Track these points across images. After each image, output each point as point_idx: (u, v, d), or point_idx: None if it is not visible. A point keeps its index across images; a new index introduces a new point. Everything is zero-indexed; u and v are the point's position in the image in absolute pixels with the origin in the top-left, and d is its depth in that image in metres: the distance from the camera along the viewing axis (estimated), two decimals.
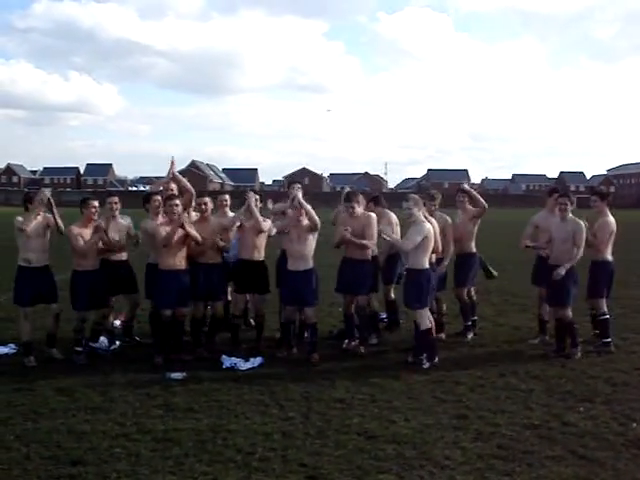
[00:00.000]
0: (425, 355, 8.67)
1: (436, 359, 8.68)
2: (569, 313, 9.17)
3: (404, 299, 8.92)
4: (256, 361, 8.66)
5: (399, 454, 5.86)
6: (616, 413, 6.91)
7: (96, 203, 8.94)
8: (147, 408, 7.00)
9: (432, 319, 8.85)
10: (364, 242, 9.15)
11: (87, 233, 8.77)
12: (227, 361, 8.59)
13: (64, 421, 6.62)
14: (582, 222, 9.14)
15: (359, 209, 9.29)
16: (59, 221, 8.86)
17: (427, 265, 8.71)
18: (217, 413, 6.87)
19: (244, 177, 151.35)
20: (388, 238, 8.95)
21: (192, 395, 7.42)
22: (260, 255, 9.36)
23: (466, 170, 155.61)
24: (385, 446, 6.03)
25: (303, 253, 8.92)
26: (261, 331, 9.61)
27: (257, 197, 9.37)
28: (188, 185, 9.85)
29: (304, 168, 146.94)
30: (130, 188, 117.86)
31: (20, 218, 8.61)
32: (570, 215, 9.18)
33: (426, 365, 8.55)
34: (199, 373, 8.22)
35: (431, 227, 8.72)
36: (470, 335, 10.15)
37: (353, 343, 9.44)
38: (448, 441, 6.16)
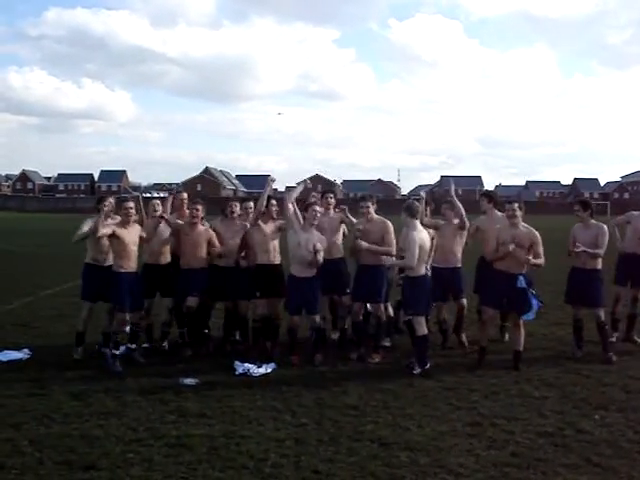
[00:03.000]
0: (417, 361, 8.69)
1: (428, 365, 8.68)
2: (602, 314, 9.43)
3: (402, 305, 8.95)
4: (269, 367, 8.65)
5: (413, 461, 5.83)
6: (631, 421, 6.85)
7: (132, 204, 9.08)
8: (160, 413, 7.01)
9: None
10: (381, 249, 9.13)
11: (126, 233, 8.89)
12: (240, 367, 8.59)
13: (77, 426, 6.63)
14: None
15: (373, 212, 9.29)
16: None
17: (423, 272, 8.73)
18: (230, 419, 6.86)
19: (257, 183, 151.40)
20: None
21: (205, 401, 7.42)
22: (277, 258, 9.53)
23: (479, 177, 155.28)
24: (399, 453, 6.00)
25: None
26: (276, 336, 9.60)
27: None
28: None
29: (317, 175, 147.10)
30: (144, 194, 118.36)
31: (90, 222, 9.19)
32: (593, 220, 9.47)
33: (417, 371, 8.57)
34: (212, 379, 8.23)
35: (425, 234, 8.79)
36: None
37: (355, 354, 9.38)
38: (462, 448, 6.13)
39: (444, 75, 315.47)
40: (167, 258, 9.73)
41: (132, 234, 8.95)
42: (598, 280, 9.39)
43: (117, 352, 8.77)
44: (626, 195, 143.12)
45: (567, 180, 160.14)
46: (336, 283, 9.59)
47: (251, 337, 9.80)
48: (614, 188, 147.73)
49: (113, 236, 8.79)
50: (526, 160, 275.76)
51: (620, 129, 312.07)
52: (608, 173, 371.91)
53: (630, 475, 5.60)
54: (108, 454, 5.95)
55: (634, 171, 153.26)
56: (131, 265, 8.92)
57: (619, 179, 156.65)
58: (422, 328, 8.70)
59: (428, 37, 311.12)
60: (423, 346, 8.75)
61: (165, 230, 9.57)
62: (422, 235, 8.72)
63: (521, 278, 8.72)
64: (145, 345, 9.86)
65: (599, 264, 9.39)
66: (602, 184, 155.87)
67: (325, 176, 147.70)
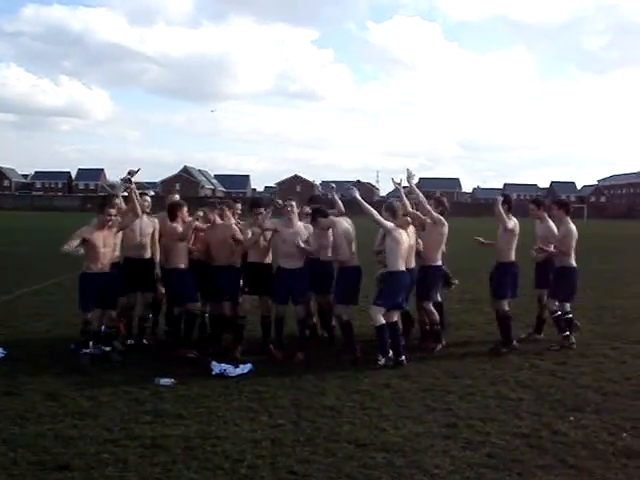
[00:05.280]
0: (379, 351, 8.98)
1: (390, 353, 8.92)
2: (504, 306, 9.90)
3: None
4: (245, 367, 8.62)
5: (389, 462, 5.83)
6: (606, 422, 6.90)
7: (114, 210, 9.05)
8: (135, 414, 6.96)
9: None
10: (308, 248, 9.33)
11: (98, 235, 8.86)
12: (217, 367, 8.55)
13: (52, 426, 6.56)
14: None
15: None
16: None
17: (400, 268, 8.91)
18: (206, 420, 6.83)
19: (236, 183, 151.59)
20: None
21: (181, 401, 7.38)
22: (270, 258, 9.69)
23: (458, 179, 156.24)
24: (375, 454, 6.00)
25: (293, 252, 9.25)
26: (268, 333, 9.71)
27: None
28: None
29: (296, 175, 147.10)
30: (122, 193, 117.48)
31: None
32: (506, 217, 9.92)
33: (381, 361, 8.85)
34: (188, 379, 8.18)
35: (403, 234, 8.97)
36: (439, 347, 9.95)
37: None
38: (438, 450, 6.14)
39: (423, 77, 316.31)
40: (148, 253, 9.73)
41: (107, 237, 8.93)
42: (498, 272, 10.03)
43: (87, 350, 8.87)
44: (602, 199, 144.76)
45: (544, 183, 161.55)
46: (321, 284, 9.78)
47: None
48: (591, 192, 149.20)
49: (85, 241, 8.79)
50: (504, 163, 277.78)
51: (597, 133, 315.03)
52: (585, 177, 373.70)
53: (605, 476, 5.63)
54: (82, 454, 5.89)
55: (610, 175, 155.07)
56: (98, 266, 8.87)
57: (596, 182, 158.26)
58: (378, 318, 8.87)
59: (407, 39, 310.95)
60: (381, 336, 8.95)
61: (148, 225, 9.65)
62: (404, 236, 8.97)
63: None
64: (130, 342, 9.90)
65: (502, 257, 9.92)
66: (579, 187, 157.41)
67: (304, 177, 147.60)
